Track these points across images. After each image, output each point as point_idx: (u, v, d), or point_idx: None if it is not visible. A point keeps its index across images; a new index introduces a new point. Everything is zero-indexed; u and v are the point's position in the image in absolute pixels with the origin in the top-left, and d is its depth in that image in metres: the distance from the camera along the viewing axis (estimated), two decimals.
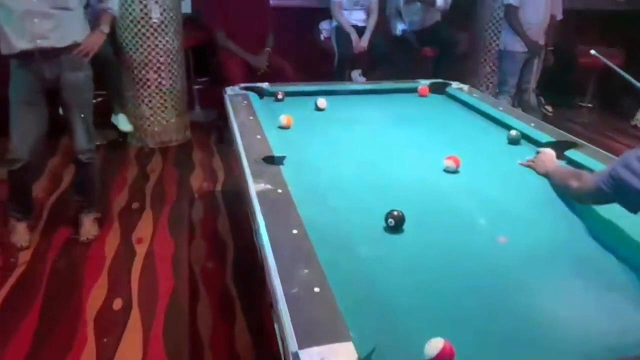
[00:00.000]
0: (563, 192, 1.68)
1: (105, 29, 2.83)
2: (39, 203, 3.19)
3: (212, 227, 3.11)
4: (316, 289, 1.12)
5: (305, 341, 0.97)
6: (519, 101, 4.68)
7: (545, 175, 1.80)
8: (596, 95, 5.42)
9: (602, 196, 1.45)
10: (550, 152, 1.91)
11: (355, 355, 0.93)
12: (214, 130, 4.46)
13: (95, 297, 2.42)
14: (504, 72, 4.49)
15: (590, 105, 5.43)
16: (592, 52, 2.42)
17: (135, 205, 3.31)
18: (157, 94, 4.16)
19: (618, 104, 5.29)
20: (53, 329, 2.22)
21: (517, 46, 4.32)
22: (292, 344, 0.97)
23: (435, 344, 0.97)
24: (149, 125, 4.22)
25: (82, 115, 2.77)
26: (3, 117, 2.66)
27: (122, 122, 4.07)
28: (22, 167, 2.67)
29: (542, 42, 4.36)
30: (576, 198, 1.61)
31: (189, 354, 2.12)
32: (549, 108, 5.31)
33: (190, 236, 2.99)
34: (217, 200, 3.42)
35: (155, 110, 4.19)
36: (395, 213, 1.47)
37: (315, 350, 0.94)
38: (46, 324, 2.25)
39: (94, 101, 4.03)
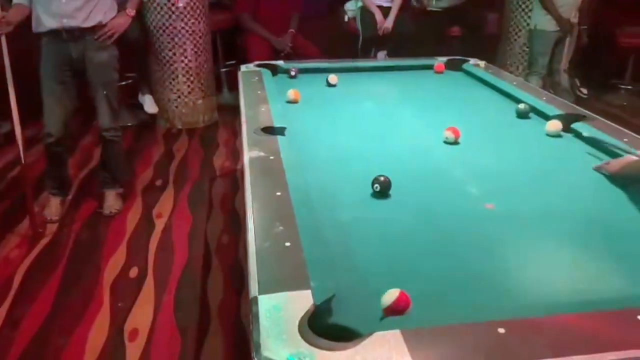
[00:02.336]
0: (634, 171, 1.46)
1: (132, 11, 2.93)
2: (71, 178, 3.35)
3: (230, 204, 3.18)
4: (287, 244, 1.15)
5: (266, 288, 1.00)
6: (550, 82, 4.54)
7: (614, 173, 1.54)
8: (635, 76, 5.18)
9: None
10: (629, 158, 1.57)
11: (311, 302, 0.96)
12: None
13: (113, 266, 2.54)
14: (535, 52, 4.36)
15: (629, 87, 5.20)
16: None
17: (158, 182, 3.43)
18: (184, 76, 4.27)
19: None
20: (72, 293, 2.35)
21: (548, 25, 4.18)
22: (254, 289, 1.00)
23: (392, 294, 0.99)
24: (176, 107, 4.33)
25: (106, 94, 2.88)
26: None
27: (148, 104, 4.20)
28: (53, 142, 2.82)
29: (574, 20, 4.21)
30: None
31: (197, 321, 2.20)
32: (584, 90, 5.12)
33: (208, 212, 3.08)
34: (237, 179, 3.50)
35: (182, 92, 4.30)
36: (382, 178, 1.48)
37: (273, 296, 0.98)
38: (66, 288, 2.38)
39: (124, 83, 4.21)
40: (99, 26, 2.77)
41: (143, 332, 2.11)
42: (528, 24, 4.49)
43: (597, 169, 1.61)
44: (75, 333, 2.10)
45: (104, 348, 2.03)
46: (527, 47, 4.57)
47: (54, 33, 2.71)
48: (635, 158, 1.51)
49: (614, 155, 1.65)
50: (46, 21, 2.67)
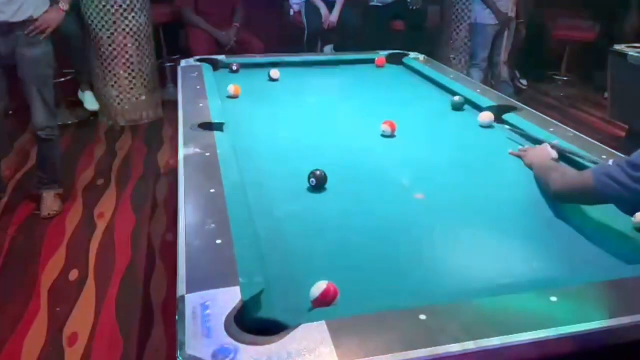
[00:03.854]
0: (544, 185, 1.47)
1: (64, 5, 2.81)
2: (5, 179, 3.21)
3: (175, 201, 3.11)
4: (218, 241, 1.14)
5: (193, 286, 0.99)
6: (491, 75, 4.69)
7: (530, 166, 1.61)
8: (570, 68, 5.42)
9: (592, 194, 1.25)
10: (545, 147, 1.64)
11: (239, 298, 0.96)
12: None
13: (51, 269, 2.46)
14: (475, 45, 4.49)
15: (564, 78, 5.43)
16: None
17: (100, 181, 3.33)
18: (125, 71, 4.15)
19: (592, 77, 5.30)
20: (7, 299, 2.25)
21: (488, 18, 4.32)
22: (181, 288, 0.99)
23: (320, 285, 1.00)
24: (118, 104, 4.21)
25: (40, 91, 2.77)
26: None
27: (88, 101, 4.07)
28: None
29: (511, 13, 4.36)
30: (558, 194, 1.39)
31: (139, 322, 2.16)
32: (524, 82, 5.32)
33: (152, 211, 3.02)
34: None
35: (124, 88, 4.19)
36: (318, 172, 1.49)
37: (200, 294, 0.97)
38: (1, 295, 2.28)
39: (62, 79, 4.06)
40: (30, 21, 2.66)
41: (83, 336, 2.05)
42: (469, 18, 4.61)
43: (514, 155, 1.70)
44: (10, 341, 2.02)
45: (40, 354, 1.97)
46: (469, 40, 4.70)
47: None
48: (550, 149, 1.58)
49: (537, 143, 1.72)
50: None
